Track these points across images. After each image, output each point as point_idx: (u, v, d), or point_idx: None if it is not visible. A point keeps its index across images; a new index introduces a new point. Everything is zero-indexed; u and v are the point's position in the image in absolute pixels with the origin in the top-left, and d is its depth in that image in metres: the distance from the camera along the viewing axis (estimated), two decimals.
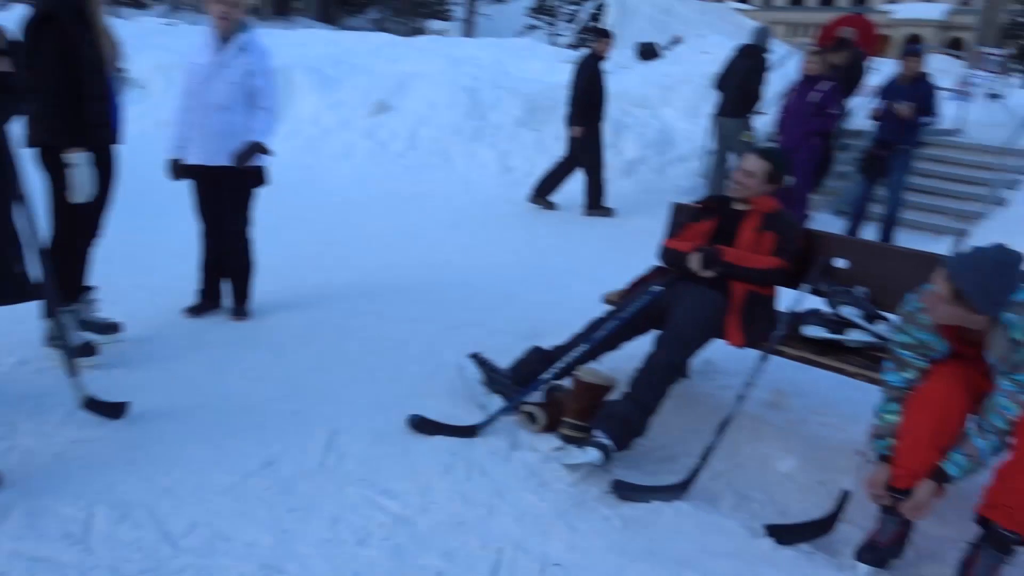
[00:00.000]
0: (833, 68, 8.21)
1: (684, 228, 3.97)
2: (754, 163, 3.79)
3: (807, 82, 7.84)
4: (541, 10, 42.49)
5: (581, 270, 6.28)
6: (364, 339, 4.48)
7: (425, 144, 10.43)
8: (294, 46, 14.82)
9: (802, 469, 3.42)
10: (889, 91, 8.09)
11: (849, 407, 3.92)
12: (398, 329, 4.66)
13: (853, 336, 3.45)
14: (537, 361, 3.72)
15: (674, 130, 10.72)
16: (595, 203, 8.68)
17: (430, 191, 9.26)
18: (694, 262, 3.68)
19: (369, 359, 4.21)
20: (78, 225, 3.85)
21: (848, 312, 3.46)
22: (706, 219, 3.90)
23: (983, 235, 8.05)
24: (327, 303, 5.06)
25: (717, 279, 3.65)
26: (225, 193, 4.38)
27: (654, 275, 3.92)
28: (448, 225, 7.62)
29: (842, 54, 8.80)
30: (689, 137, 10.43)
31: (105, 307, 4.21)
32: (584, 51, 9.47)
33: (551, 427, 3.53)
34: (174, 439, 3.24)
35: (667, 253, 3.87)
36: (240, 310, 4.63)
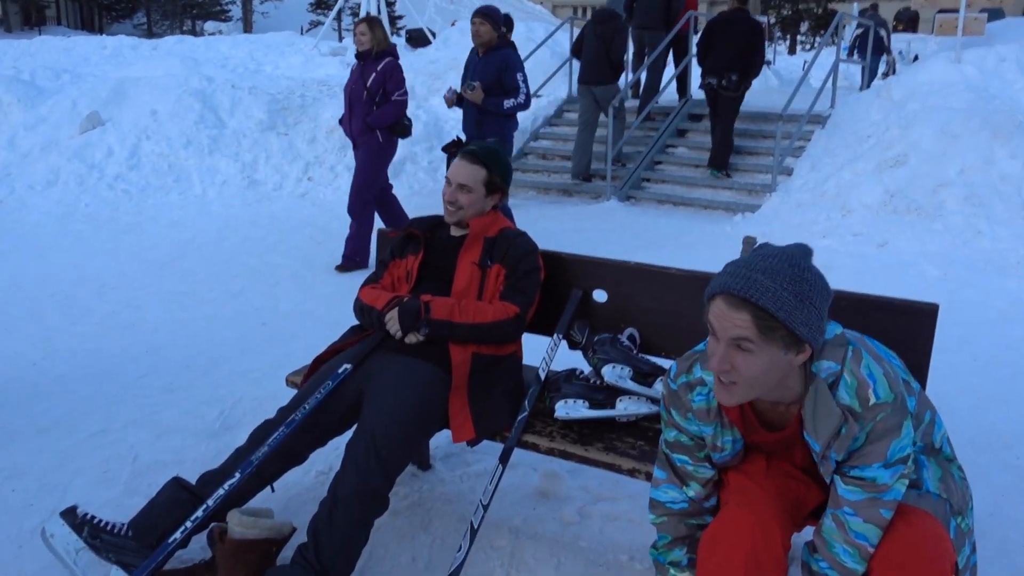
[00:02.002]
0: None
1: (387, 268, 2.76)
2: (464, 171, 2.64)
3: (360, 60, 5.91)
4: (321, 4, 40.27)
5: (319, 313, 4.95)
6: None
7: (150, 162, 8.67)
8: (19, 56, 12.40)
9: None
10: (467, 67, 6.27)
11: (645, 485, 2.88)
12: (8, 453, 3.13)
13: (625, 408, 2.37)
14: (176, 502, 2.38)
15: (445, 121, 9.59)
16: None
17: (154, 218, 7.59)
18: (391, 322, 2.48)
19: None
20: None
21: (612, 373, 2.38)
22: (411, 254, 2.71)
23: (775, 209, 7.51)
24: None
25: (429, 344, 2.47)
26: None
27: (350, 341, 2.68)
28: (160, 265, 6.02)
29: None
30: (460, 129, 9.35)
31: None
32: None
33: None
34: None
35: (358, 309, 2.64)
36: None
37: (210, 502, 2.28)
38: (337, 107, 9.17)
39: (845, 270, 5.82)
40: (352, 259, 5.90)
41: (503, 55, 5.98)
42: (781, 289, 1.50)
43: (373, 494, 2.21)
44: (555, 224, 7.60)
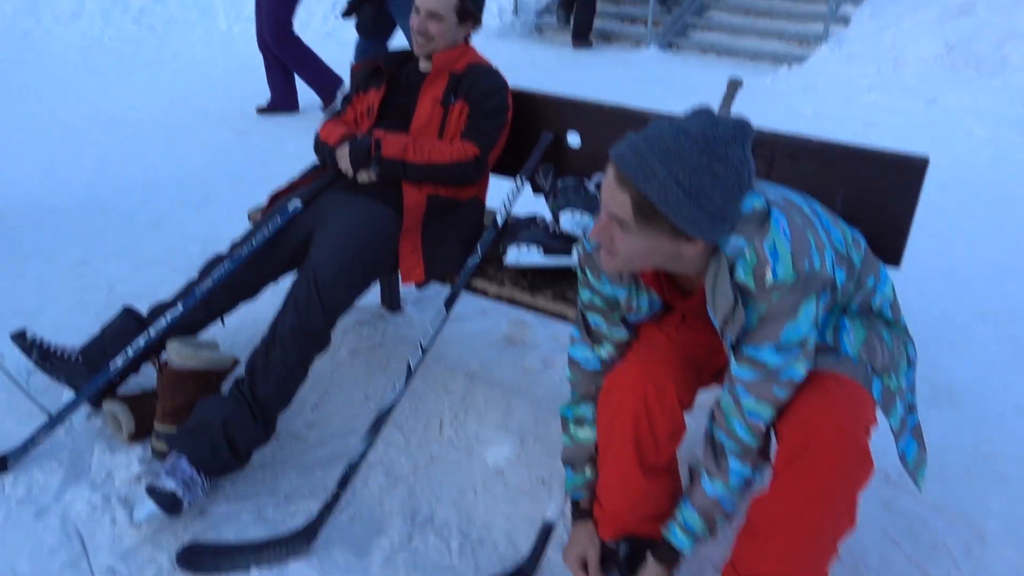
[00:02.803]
0: None
1: (350, 103, 2.60)
2: None
3: None
4: None
5: None
6: None
7: None
8: None
9: (521, 458, 2.28)
10: None
11: None
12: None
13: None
14: (125, 331, 2.38)
15: None
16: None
17: (175, 54, 7.43)
18: (342, 159, 2.34)
19: None
20: None
21: (570, 221, 2.23)
22: (374, 88, 2.53)
23: (824, 60, 6.98)
24: None
25: (384, 184, 2.34)
26: None
27: (306, 179, 2.57)
28: (172, 102, 5.91)
29: None
30: None
31: None
32: None
33: (143, 432, 2.26)
34: None
35: (316, 145, 2.51)
36: None
37: (152, 331, 2.26)
38: None
39: (886, 127, 5.43)
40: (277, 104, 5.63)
41: None
42: (671, 181, 1.29)
43: (311, 333, 2.16)
44: (585, 72, 7.22)
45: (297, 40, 5.45)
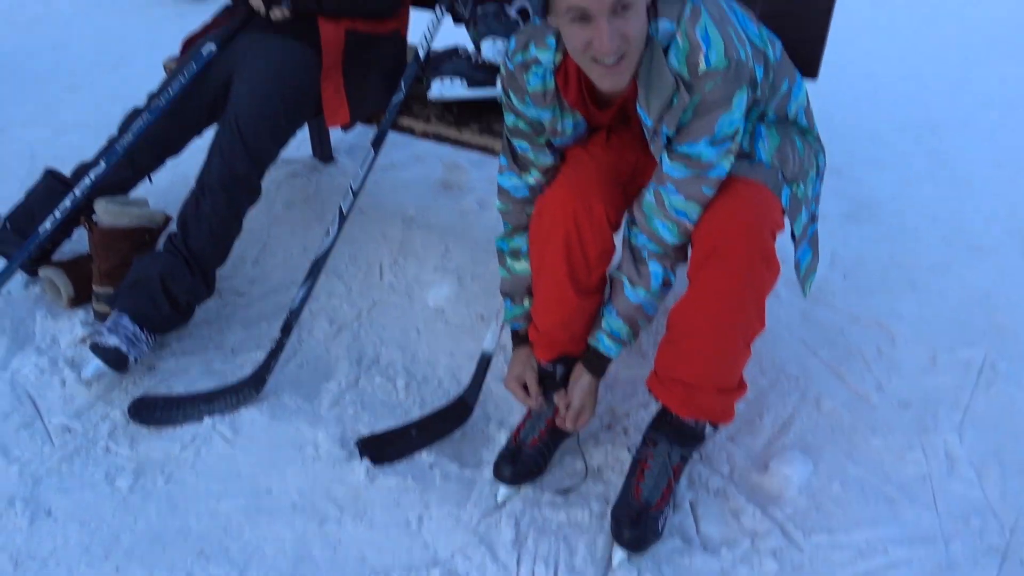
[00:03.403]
0: None
1: None
2: None
3: None
4: None
5: None
6: None
7: None
8: None
9: (460, 297, 2.35)
10: None
11: None
12: None
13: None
14: (51, 193, 2.33)
15: None
16: None
17: None
18: None
19: None
20: None
21: (492, 49, 2.19)
22: None
23: None
24: None
25: (300, 21, 2.25)
26: None
27: (218, 22, 2.46)
28: None
29: None
30: None
31: None
32: None
33: (82, 296, 2.27)
34: None
35: None
36: None
37: (77, 191, 2.22)
38: None
39: None
40: None
41: None
42: None
43: (240, 181, 2.14)
44: None
45: None
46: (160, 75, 3.36)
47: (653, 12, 1.39)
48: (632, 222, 1.58)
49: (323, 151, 2.89)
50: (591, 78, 1.44)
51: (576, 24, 1.34)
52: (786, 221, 1.53)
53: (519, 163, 1.69)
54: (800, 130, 1.64)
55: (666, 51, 1.38)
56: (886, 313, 2.26)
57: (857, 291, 2.33)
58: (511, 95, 1.61)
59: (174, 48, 3.70)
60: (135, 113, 2.35)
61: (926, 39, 4.02)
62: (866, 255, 2.47)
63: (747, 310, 1.50)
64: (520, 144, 1.67)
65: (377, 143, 2.23)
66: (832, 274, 2.39)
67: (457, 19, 2.38)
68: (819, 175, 1.66)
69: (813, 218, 1.64)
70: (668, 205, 1.49)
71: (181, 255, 2.09)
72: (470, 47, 2.32)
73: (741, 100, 1.39)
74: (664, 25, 1.37)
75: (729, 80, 1.36)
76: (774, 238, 1.47)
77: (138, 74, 3.64)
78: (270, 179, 2.34)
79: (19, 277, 2.32)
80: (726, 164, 1.45)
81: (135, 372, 2.05)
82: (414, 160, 2.94)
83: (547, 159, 1.67)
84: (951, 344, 2.14)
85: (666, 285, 1.60)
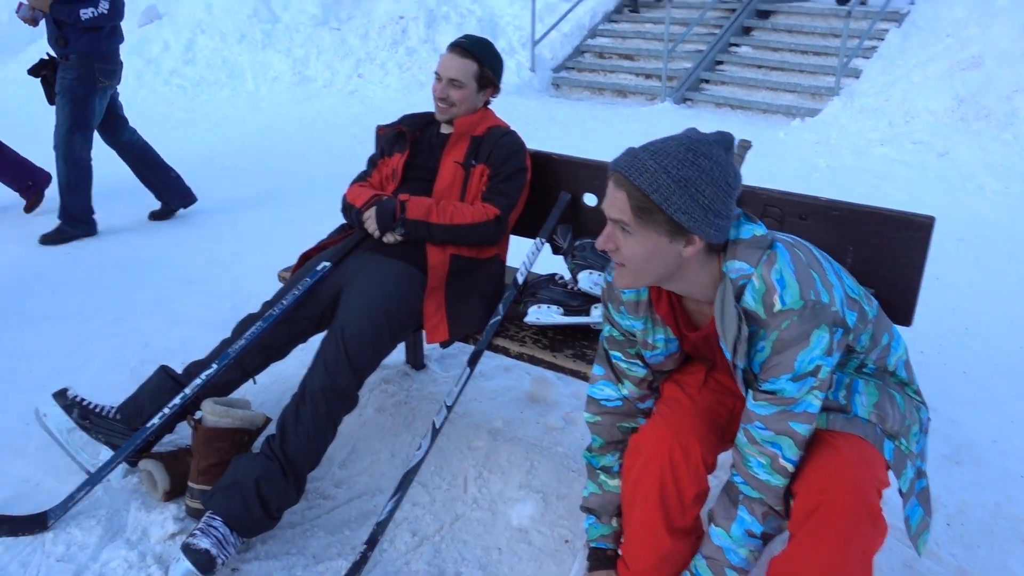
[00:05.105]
0: None
1: (375, 166, 2.71)
2: (455, 65, 2.52)
3: None
4: None
5: None
6: None
7: (205, 56, 8.71)
8: None
9: (544, 517, 2.31)
10: None
11: None
12: (30, 338, 3.28)
13: (600, 315, 2.30)
14: (161, 389, 2.46)
15: (501, 17, 9.29)
16: None
17: (206, 115, 7.67)
18: (369, 221, 2.44)
19: None
20: None
21: (588, 280, 2.31)
22: (398, 151, 2.64)
23: (836, 114, 7.10)
24: None
25: (408, 244, 2.43)
26: None
27: (334, 240, 2.67)
28: (203, 162, 6.10)
29: None
30: (519, 24, 9.04)
31: None
32: None
33: (178, 491, 2.32)
34: None
35: (343, 206, 2.61)
36: None
37: (187, 390, 2.34)
38: (391, 2, 8.97)
39: (900, 180, 5.51)
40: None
41: None
42: (662, 171, 1.40)
43: (339, 392, 2.23)
44: (602, 126, 7.38)
45: None
46: (269, 278, 3.63)
47: (725, 254, 1.48)
48: (732, 465, 1.58)
49: (416, 359, 3.00)
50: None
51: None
52: (892, 477, 1.51)
53: (615, 372, 1.75)
54: (899, 383, 1.65)
55: (744, 289, 1.45)
56: (996, 568, 2.12)
57: (963, 541, 2.21)
58: (609, 305, 1.70)
59: (282, 254, 4.03)
60: (249, 319, 2.50)
61: (1015, 276, 4.03)
62: (970, 502, 2.36)
63: (851, 570, 1.45)
64: (615, 353, 1.73)
65: (473, 362, 2.31)
66: (934, 520, 2.28)
67: (556, 250, 2.53)
68: (923, 430, 1.64)
69: (920, 473, 1.61)
70: (760, 439, 1.50)
71: (277, 460, 2.15)
72: (566, 274, 2.45)
73: (820, 338, 1.43)
74: (738, 265, 1.46)
75: (805, 319, 1.41)
76: (880, 495, 1.44)
77: (247, 275, 3.93)
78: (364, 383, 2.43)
79: (119, 466, 2.41)
80: (813, 400, 1.47)
81: (219, 573, 2.06)
82: (502, 371, 3.02)
83: (639, 371, 1.72)
84: None
85: (752, 536, 1.56)
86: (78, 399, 2.44)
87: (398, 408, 2.79)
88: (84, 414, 2.42)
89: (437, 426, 2.19)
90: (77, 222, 4.44)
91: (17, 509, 2.26)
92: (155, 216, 4.82)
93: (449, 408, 2.23)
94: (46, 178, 4.91)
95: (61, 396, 2.45)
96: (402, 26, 8.83)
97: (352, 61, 8.76)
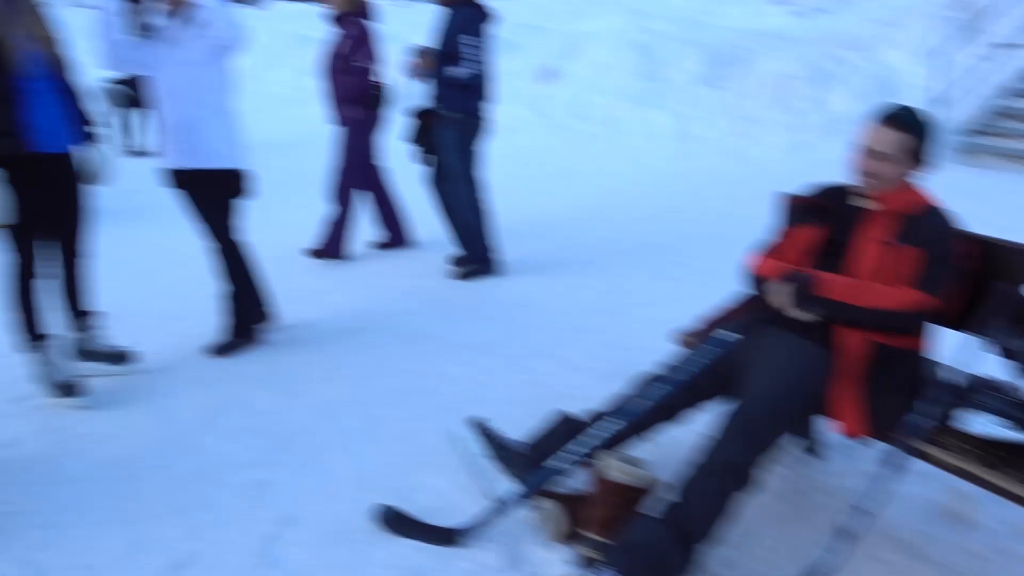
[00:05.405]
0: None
1: (786, 236, 2.61)
2: (888, 138, 2.35)
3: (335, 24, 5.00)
4: None
5: (729, 273, 4.90)
6: (397, 378, 3.55)
7: (592, 112, 9.30)
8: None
9: None
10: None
11: None
12: (449, 362, 3.70)
13: None
14: (568, 434, 2.61)
15: (898, 74, 8.62)
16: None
17: (590, 167, 8.15)
18: (781, 297, 2.35)
19: (384, 410, 3.28)
20: (25, 252, 3.27)
21: None
22: (813, 223, 2.52)
23: None
24: (374, 324, 4.21)
25: (819, 324, 2.30)
26: (196, 202, 3.61)
27: (741, 310, 2.62)
28: (588, 212, 6.47)
29: None
30: (918, 83, 8.32)
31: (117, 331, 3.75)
32: None
33: (571, 535, 2.43)
34: (103, 511, 2.67)
35: (751, 278, 2.55)
36: (219, 345, 3.81)
37: (596, 442, 2.44)
38: (776, 60, 8.82)
39: None
40: (326, 249, 5.20)
41: (458, 12, 4.52)
42: None
43: (733, 469, 2.15)
44: None
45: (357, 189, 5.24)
46: (653, 334, 3.68)
47: None
48: None
49: (814, 446, 2.83)
50: None
51: None
52: None
53: None
54: None
55: None
56: None
57: None
58: None
59: (668, 307, 4.08)
60: (653, 380, 2.55)
61: None
62: None
63: None
64: None
65: (893, 465, 2.10)
66: None
67: (1010, 355, 2.22)
68: None
69: None
70: None
71: (679, 528, 2.13)
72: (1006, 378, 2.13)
73: None
74: None
75: None
76: None
77: (637, 329, 4.02)
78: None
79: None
80: None
81: None
82: (913, 473, 2.72)
83: None
84: None
85: None
86: (495, 433, 2.68)
87: (792, 496, 2.64)
88: (500, 447, 2.65)
89: (852, 531, 2.03)
90: (481, 262, 4.95)
91: (433, 519, 2.51)
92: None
93: (864, 513, 2.05)
94: (404, 243, 5.48)
95: (480, 426, 2.71)
96: (787, 85, 8.63)
97: (734, 120, 8.74)
